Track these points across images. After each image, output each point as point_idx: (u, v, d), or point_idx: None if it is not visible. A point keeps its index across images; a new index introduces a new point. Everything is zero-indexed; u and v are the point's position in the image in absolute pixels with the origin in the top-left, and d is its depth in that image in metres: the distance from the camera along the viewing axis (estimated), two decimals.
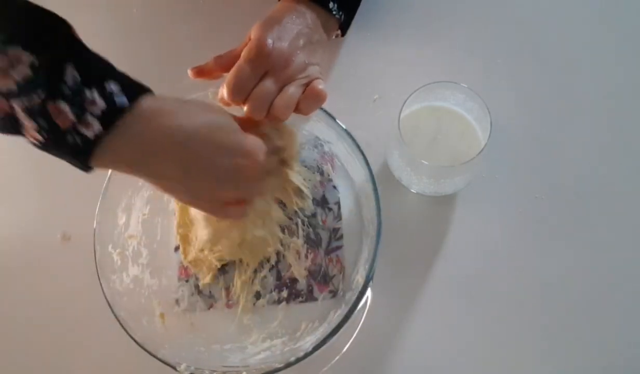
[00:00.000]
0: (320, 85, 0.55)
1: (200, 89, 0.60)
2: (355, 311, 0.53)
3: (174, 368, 0.53)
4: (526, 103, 0.66)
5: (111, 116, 0.41)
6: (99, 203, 0.59)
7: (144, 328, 0.56)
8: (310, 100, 0.55)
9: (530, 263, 0.60)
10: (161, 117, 0.44)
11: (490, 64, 0.68)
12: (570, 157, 0.64)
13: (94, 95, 0.40)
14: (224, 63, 0.56)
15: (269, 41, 0.53)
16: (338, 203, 0.63)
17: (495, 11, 0.71)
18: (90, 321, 0.62)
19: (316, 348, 0.52)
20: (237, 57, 0.55)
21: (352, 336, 0.58)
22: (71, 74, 0.40)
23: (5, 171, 0.71)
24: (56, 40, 0.41)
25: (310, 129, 0.63)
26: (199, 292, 0.61)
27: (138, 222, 0.62)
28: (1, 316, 0.65)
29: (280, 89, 0.54)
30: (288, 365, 0.52)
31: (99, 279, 0.56)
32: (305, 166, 0.64)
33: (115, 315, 0.55)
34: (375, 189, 0.56)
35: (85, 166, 0.43)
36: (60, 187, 0.68)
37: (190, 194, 0.49)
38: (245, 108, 0.53)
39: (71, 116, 0.40)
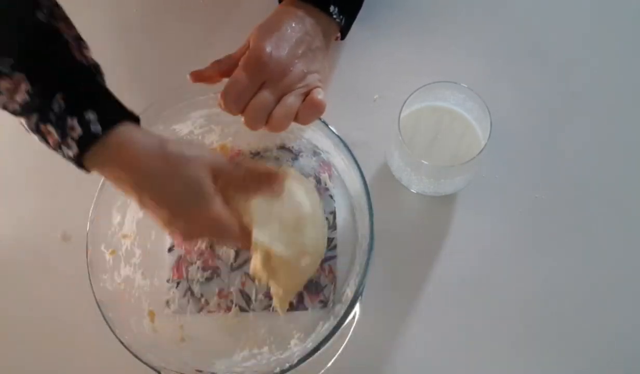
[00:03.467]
0: (319, 95, 0.55)
1: (200, 93, 0.60)
2: (343, 325, 0.52)
3: (158, 372, 0.52)
4: (526, 103, 0.66)
5: (86, 141, 0.46)
6: (93, 201, 0.59)
7: (131, 330, 0.56)
8: (309, 110, 0.55)
9: (530, 263, 0.60)
10: (128, 149, 0.48)
11: (490, 64, 0.68)
12: (570, 157, 0.64)
13: (73, 122, 0.46)
14: (222, 68, 0.56)
15: (267, 50, 0.53)
16: (334, 213, 0.62)
17: (495, 11, 0.71)
18: (90, 321, 0.62)
19: (302, 360, 0.51)
20: (236, 62, 0.55)
21: (342, 344, 0.57)
22: (57, 103, 0.46)
23: (5, 171, 0.71)
24: (54, 69, 0.47)
25: (308, 138, 0.62)
26: (192, 294, 0.61)
27: (133, 222, 0.62)
28: (1, 316, 0.65)
29: (279, 99, 0.54)
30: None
31: (89, 278, 0.56)
32: (303, 174, 0.63)
33: (103, 315, 0.54)
34: (369, 205, 0.55)
35: (87, 172, 0.49)
36: (60, 187, 0.68)
37: (166, 225, 0.51)
38: (242, 119, 0.53)
39: (57, 137, 0.46)
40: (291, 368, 0.52)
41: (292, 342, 0.57)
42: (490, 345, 0.58)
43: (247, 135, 0.61)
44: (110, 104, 0.48)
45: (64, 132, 0.46)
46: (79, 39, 0.50)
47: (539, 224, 0.62)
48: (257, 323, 0.60)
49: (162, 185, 0.49)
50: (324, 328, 0.56)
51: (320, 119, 0.57)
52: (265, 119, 0.54)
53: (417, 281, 0.61)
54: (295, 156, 0.64)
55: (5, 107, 0.47)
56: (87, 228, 0.58)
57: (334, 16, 0.59)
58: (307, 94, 0.55)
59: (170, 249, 0.63)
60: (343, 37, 0.65)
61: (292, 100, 0.54)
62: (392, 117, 0.56)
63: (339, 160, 0.60)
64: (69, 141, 0.46)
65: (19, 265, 0.66)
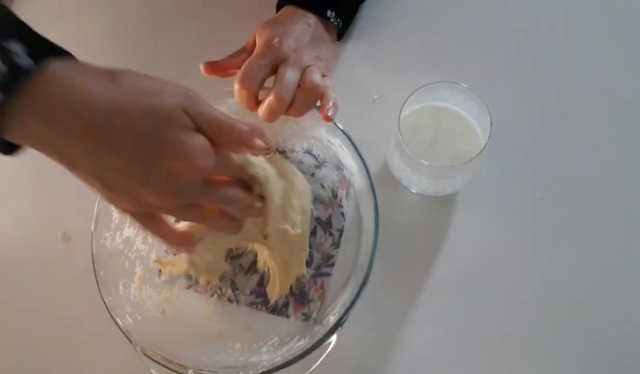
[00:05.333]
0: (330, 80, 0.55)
1: (204, 88, 0.60)
2: (317, 349, 0.51)
3: (130, 340, 0.52)
4: (526, 103, 0.66)
5: (13, 80, 0.34)
6: None
7: (117, 292, 0.56)
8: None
9: (530, 263, 0.60)
10: (71, 85, 0.35)
11: (490, 64, 0.68)
12: (570, 157, 0.64)
13: None
14: (234, 62, 0.56)
15: (276, 39, 0.54)
16: (341, 231, 0.61)
17: (495, 11, 0.71)
18: (90, 321, 0.62)
19: (265, 372, 0.51)
20: (247, 54, 0.56)
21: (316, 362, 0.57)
22: None
23: (5, 171, 0.71)
24: None
25: (335, 152, 0.61)
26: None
27: None
28: (1, 316, 0.65)
29: (301, 74, 0.53)
30: None
31: (92, 233, 0.56)
32: (323, 186, 0.62)
33: (95, 271, 0.54)
34: (374, 247, 0.53)
35: (2, 142, 0.36)
36: (60, 187, 0.68)
37: (107, 192, 0.40)
38: (271, 95, 0.52)
39: None
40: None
41: (265, 348, 0.57)
42: (490, 345, 0.58)
43: (275, 135, 0.61)
44: (37, 35, 0.36)
45: None
46: None
47: (539, 224, 0.62)
48: (238, 316, 0.60)
49: (126, 126, 0.36)
50: (298, 345, 0.55)
51: (351, 141, 0.56)
52: (292, 93, 0.52)
53: (417, 281, 0.61)
54: (319, 164, 0.63)
55: None
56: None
57: (332, 20, 0.61)
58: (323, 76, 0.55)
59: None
60: (339, 38, 0.66)
61: (317, 72, 0.53)
62: (392, 117, 0.56)
63: (359, 183, 0.58)
64: None
65: (18, 265, 0.66)
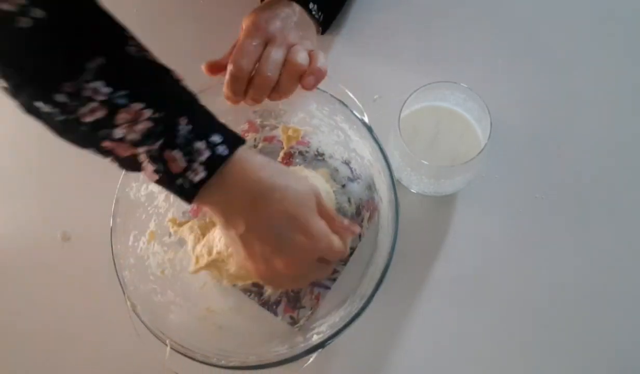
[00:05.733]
0: (321, 54, 0.56)
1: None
2: (292, 362, 0.51)
3: (123, 292, 0.54)
4: (526, 103, 0.66)
5: (214, 164, 0.45)
6: None
7: (126, 242, 0.57)
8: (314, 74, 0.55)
9: (530, 263, 0.60)
10: (250, 168, 0.47)
11: (490, 64, 0.68)
12: (570, 157, 0.64)
13: (201, 145, 0.45)
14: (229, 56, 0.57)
15: (263, 21, 0.56)
16: (353, 250, 0.61)
17: (495, 11, 0.71)
18: (90, 321, 0.62)
19: (235, 367, 0.51)
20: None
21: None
22: (183, 127, 0.45)
23: (5, 171, 0.71)
24: (171, 95, 0.46)
25: (372, 174, 0.60)
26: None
27: None
28: (1, 316, 0.65)
29: (286, 52, 0.55)
30: (205, 361, 0.52)
31: (120, 179, 0.57)
32: (350, 200, 0.62)
33: (112, 216, 0.56)
34: (379, 283, 0.52)
35: (189, 203, 0.48)
36: (60, 187, 0.68)
37: (247, 251, 0.49)
38: (255, 75, 0.53)
39: (183, 163, 0.45)
40: (221, 366, 0.51)
41: (242, 340, 0.57)
42: (490, 345, 0.58)
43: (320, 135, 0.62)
44: (226, 127, 0.48)
45: (190, 157, 0.45)
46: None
47: (539, 224, 0.62)
48: (230, 297, 0.60)
49: (279, 201, 0.47)
50: (275, 350, 0.55)
51: (390, 172, 0.55)
52: (279, 69, 0.54)
53: (417, 281, 0.61)
54: (352, 178, 0.63)
55: (122, 139, 0.44)
56: None
57: (313, 12, 0.62)
58: (309, 52, 0.56)
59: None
60: (323, 32, 0.67)
61: (302, 50, 0.55)
62: (392, 117, 0.56)
63: (385, 213, 0.57)
64: (196, 165, 0.45)
65: (18, 265, 0.66)
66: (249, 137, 0.65)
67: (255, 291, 0.60)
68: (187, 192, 0.46)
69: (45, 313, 0.64)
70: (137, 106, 0.43)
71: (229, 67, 0.54)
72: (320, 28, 0.66)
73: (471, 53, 0.69)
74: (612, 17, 0.70)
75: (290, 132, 0.63)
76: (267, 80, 0.53)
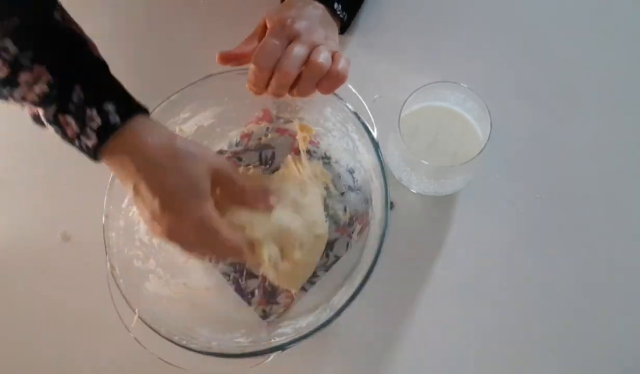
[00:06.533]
0: (343, 58, 0.55)
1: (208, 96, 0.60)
2: (251, 357, 0.51)
3: (106, 253, 0.55)
4: (526, 103, 0.66)
5: (105, 131, 0.48)
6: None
7: (120, 203, 0.58)
8: (334, 78, 0.54)
9: (530, 263, 0.60)
10: (139, 139, 0.49)
11: (490, 64, 0.68)
12: (570, 157, 0.64)
13: (93, 113, 0.47)
14: (245, 49, 0.57)
15: (288, 20, 0.55)
16: (337, 259, 0.61)
17: (495, 11, 0.71)
18: (90, 321, 0.62)
19: (196, 350, 0.51)
20: (258, 39, 0.57)
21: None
22: (77, 94, 0.47)
23: (5, 171, 0.71)
24: (72, 62, 0.48)
25: (372, 189, 0.59)
26: None
27: (194, 126, 0.63)
28: (1, 316, 0.65)
29: (310, 51, 0.54)
30: (168, 338, 0.52)
31: None
32: (345, 209, 0.62)
33: (111, 178, 0.57)
34: (349, 300, 0.52)
35: (96, 161, 0.50)
36: (60, 187, 0.68)
37: (140, 213, 0.51)
38: (277, 69, 0.53)
39: (76, 128, 0.48)
40: (182, 345, 0.52)
41: (208, 321, 0.57)
42: (490, 345, 0.58)
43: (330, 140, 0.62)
44: (126, 96, 0.50)
45: (83, 123, 0.47)
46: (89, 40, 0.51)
47: (539, 224, 0.62)
48: (208, 276, 0.61)
49: (161, 174, 0.49)
50: (235, 341, 0.55)
51: (387, 195, 0.54)
52: (299, 67, 0.53)
53: (417, 281, 0.61)
54: (353, 187, 0.63)
55: (24, 98, 0.48)
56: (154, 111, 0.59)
57: (338, 12, 0.62)
58: (333, 54, 0.55)
59: None
60: (342, 31, 0.67)
61: (325, 50, 0.54)
62: (392, 117, 0.56)
63: (374, 232, 0.56)
64: (88, 131, 0.47)
65: (18, 265, 0.66)
66: (262, 125, 0.65)
67: (234, 277, 0.61)
68: (87, 153, 0.49)
69: (45, 312, 0.64)
70: (38, 69, 0.46)
71: (251, 65, 0.54)
72: (340, 29, 0.66)
73: (471, 53, 0.69)
74: (612, 17, 0.70)
75: (305, 133, 0.63)
76: (287, 76, 0.53)
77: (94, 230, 0.58)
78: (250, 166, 0.65)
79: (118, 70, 0.51)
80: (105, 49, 0.52)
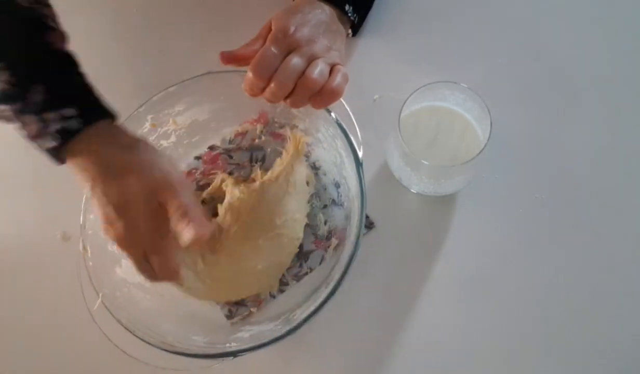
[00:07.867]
0: (341, 74, 0.54)
1: (200, 93, 0.60)
2: (204, 358, 0.51)
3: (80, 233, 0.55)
4: (526, 103, 0.66)
5: (65, 136, 0.47)
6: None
7: None
8: (328, 94, 0.54)
9: (530, 263, 0.60)
10: (96, 148, 0.49)
11: (490, 64, 0.68)
12: (570, 157, 0.64)
13: (54, 116, 0.47)
14: (249, 50, 0.56)
15: (292, 27, 0.54)
16: (310, 270, 0.61)
17: (495, 12, 0.71)
18: (90, 321, 0.62)
19: (149, 342, 0.52)
20: (262, 41, 0.56)
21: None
22: (38, 95, 0.47)
23: (5, 171, 0.71)
24: (36, 61, 0.47)
25: (352, 207, 0.58)
26: None
27: (189, 118, 0.64)
28: (1, 316, 0.65)
29: (308, 64, 0.53)
30: (127, 327, 0.53)
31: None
32: (325, 222, 0.62)
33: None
34: (307, 318, 0.52)
35: (57, 163, 0.50)
36: (60, 187, 0.68)
37: (104, 218, 0.50)
38: (273, 79, 0.52)
39: (36, 130, 0.48)
40: (138, 337, 0.52)
41: (170, 316, 0.57)
42: (490, 345, 0.58)
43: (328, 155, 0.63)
44: (90, 100, 0.49)
45: (44, 125, 0.47)
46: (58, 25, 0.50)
47: (539, 224, 0.62)
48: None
49: (116, 184, 0.49)
50: (192, 339, 0.55)
51: (362, 218, 0.54)
52: (295, 80, 0.52)
53: (417, 281, 0.61)
54: (337, 202, 0.63)
55: None
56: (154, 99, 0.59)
57: (349, 14, 0.62)
58: (332, 67, 0.54)
59: (197, 157, 0.66)
60: (354, 34, 0.67)
61: (322, 65, 0.53)
62: (392, 117, 0.56)
63: (346, 250, 0.56)
64: (48, 134, 0.47)
65: (18, 265, 0.66)
66: (257, 127, 0.65)
67: None
68: (48, 155, 0.49)
69: (45, 312, 0.64)
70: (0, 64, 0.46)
71: (248, 72, 0.53)
72: (351, 31, 0.65)
73: (471, 53, 0.69)
74: (612, 17, 0.70)
75: (299, 145, 0.63)
76: (282, 88, 0.52)
77: (94, 230, 0.58)
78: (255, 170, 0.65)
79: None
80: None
